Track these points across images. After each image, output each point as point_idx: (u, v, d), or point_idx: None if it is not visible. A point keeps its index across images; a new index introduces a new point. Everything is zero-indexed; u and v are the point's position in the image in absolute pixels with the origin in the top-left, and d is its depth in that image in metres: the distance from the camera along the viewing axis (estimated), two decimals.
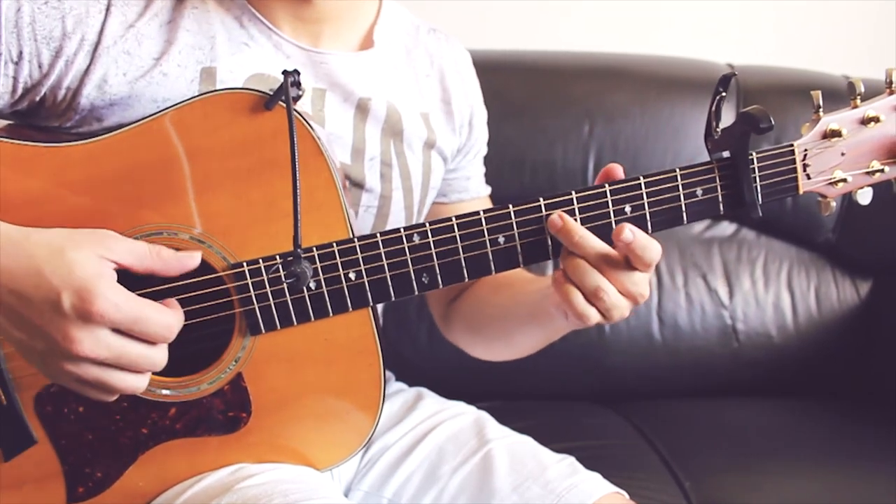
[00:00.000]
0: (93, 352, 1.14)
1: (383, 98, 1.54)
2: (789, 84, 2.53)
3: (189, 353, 1.31)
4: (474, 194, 1.77)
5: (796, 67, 2.61)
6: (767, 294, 2.51)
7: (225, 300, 1.32)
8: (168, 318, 1.21)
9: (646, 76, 2.55)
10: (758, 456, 2.16)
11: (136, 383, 1.21)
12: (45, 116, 1.39)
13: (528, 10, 2.80)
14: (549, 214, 1.34)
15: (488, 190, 1.81)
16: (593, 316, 1.34)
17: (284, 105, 1.29)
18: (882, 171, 1.40)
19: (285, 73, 1.30)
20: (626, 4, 2.85)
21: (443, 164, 1.67)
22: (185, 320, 1.28)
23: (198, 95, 1.31)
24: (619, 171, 1.36)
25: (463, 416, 1.71)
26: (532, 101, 2.46)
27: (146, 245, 1.22)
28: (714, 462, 2.15)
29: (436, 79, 1.65)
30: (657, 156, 2.46)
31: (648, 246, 1.31)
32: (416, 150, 1.59)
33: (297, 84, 1.32)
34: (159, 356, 1.21)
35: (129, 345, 1.17)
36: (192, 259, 1.25)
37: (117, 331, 1.16)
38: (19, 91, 1.35)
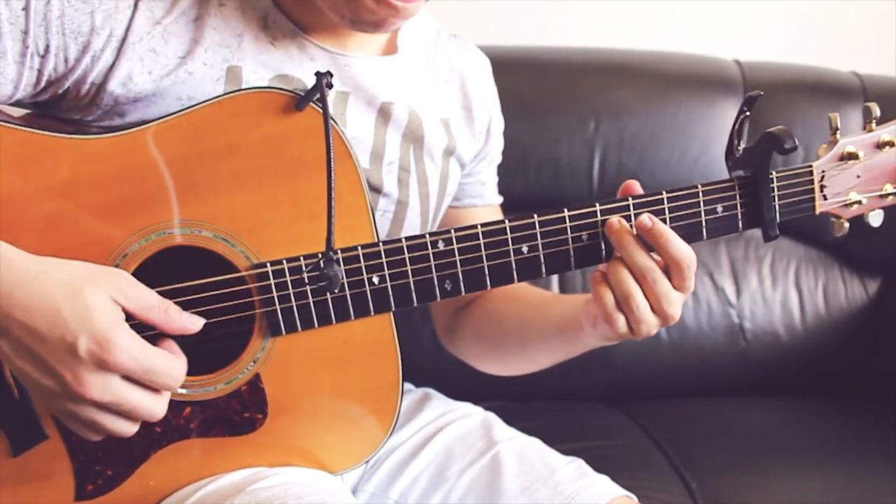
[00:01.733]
0: (100, 396, 1.17)
1: (405, 103, 1.56)
2: (797, 80, 2.53)
3: (207, 352, 1.34)
4: (488, 201, 1.79)
5: (804, 63, 2.61)
6: (775, 293, 2.53)
7: (247, 300, 1.34)
8: (177, 370, 1.24)
9: (652, 73, 2.57)
10: (765, 456, 2.18)
11: (126, 430, 1.24)
12: (67, 109, 1.41)
13: (534, 6, 2.80)
14: (574, 225, 1.38)
15: (500, 199, 1.83)
16: (621, 323, 1.38)
17: (315, 106, 1.32)
18: (895, 194, 1.46)
19: (318, 74, 1.33)
20: (632, 1, 2.86)
21: (460, 171, 1.70)
22: (206, 318, 1.30)
23: (227, 93, 1.34)
24: (637, 186, 1.42)
25: (470, 417, 1.74)
26: (537, 98, 2.48)
27: (157, 298, 1.25)
28: (721, 462, 2.17)
29: (456, 84, 1.68)
30: (663, 153, 2.48)
31: (672, 239, 1.35)
32: (437, 157, 1.62)
33: (330, 86, 1.35)
34: (159, 407, 1.24)
35: (133, 392, 1.20)
36: (196, 324, 1.28)
37: (126, 378, 1.20)
38: (43, 83, 1.37)
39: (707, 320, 2.51)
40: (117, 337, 1.16)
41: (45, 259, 1.21)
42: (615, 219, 1.38)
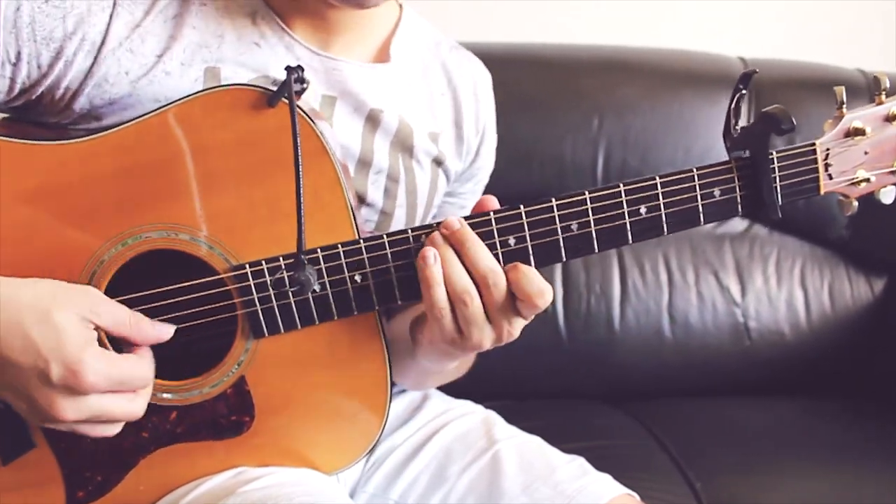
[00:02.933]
0: (76, 417, 1.16)
1: (395, 112, 1.51)
2: (802, 78, 2.52)
3: (191, 355, 1.30)
4: None
5: (809, 61, 2.60)
6: (780, 291, 2.51)
7: (227, 302, 1.30)
8: (147, 371, 1.23)
9: (656, 70, 2.55)
10: (770, 456, 2.15)
11: (109, 432, 1.23)
12: (42, 113, 1.37)
13: (537, 4, 2.80)
14: (562, 214, 1.31)
15: None
16: (445, 313, 1.27)
17: (287, 102, 1.27)
18: None
19: (288, 68, 1.28)
20: None
21: (446, 184, 1.65)
22: (187, 322, 1.28)
23: (199, 92, 1.29)
24: (493, 201, 1.32)
25: (471, 416, 1.69)
26: (541, 95, 2.45)
27: (128, 312, 1.22)
28: (725, 462, 2.14)
29: (450, 98, 1.62)
30: (667, 150, 2.46)
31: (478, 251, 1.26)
32: (425, 165, 1.57)
33: (301, 80, 1.30)
34: (137, 407, 1.22)
35: (109, 403, 1.19)
36: (167, 332, 1.25)
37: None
38: (16, 91, 1.34)
39: (711, 319, 2.49)
40: (88, 359, 1.15)
41: (9, 280, 1.18)
42: (449, 224, 1.28)
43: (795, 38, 2.90)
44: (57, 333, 1.13)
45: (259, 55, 1.41)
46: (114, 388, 1.17)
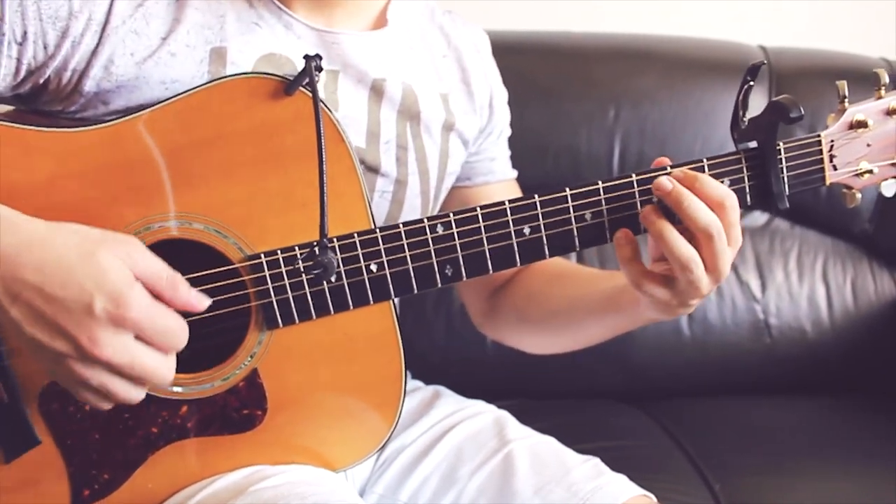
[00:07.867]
0: (114, 356, 1.16)
1: (399, 79, 1.55)
2: (824, 67, 2.52)
3: (202, 348, 1.32)
4: (500, 177, 1.78)
5: (831, 49, 2.60)
6: (801, 287, 2.50)
7: (241, 293, 1.33)
8: (184, 330, 1.23)
9: (674, 58, 2.55)
10: (791, 456, 2.16)
11: (136, 396, 1.23)
12: (48, 100, 1.40)
13: None
14: (576, 204, 1.37)
15: (515, 173, 1.81)
16: (699, 269, 1.34)
17: (305, 90, 1.31)
18: None
19: (307, 57, 1.32)
20: None
21: (463, 149, 1.68)
22: (200, 314, 1.29)
23: (215, 80, 1.33)
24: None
25: (482, 416, 1.72)
26: (555, 85, 2.46)
27: (166, 269, 1.23)
28: (745, 463, 2.14)
29: (453, 58, 1.67)
30: (686, 141, 2.45)
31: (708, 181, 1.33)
32: (434, 133, 1.61)
33: (319, 69, 1.33)
34: (168, 370, 1.22)
35: (146, 353, 1.19)
36: (202, 302, 1.26)
37: (138, 339, 1.19)
38: (23, 73, 1.35)
39: (731, 316, 2.48)
40: (133, 295, 1.16)
41: (53, 223, 1.21)
42: (665, 180, 1.34)
43: (818, 25, 2.87)
44: (101, 271, 1.15)
45: (260, 35, 1.45)
46: (152, 333, 1.18)
